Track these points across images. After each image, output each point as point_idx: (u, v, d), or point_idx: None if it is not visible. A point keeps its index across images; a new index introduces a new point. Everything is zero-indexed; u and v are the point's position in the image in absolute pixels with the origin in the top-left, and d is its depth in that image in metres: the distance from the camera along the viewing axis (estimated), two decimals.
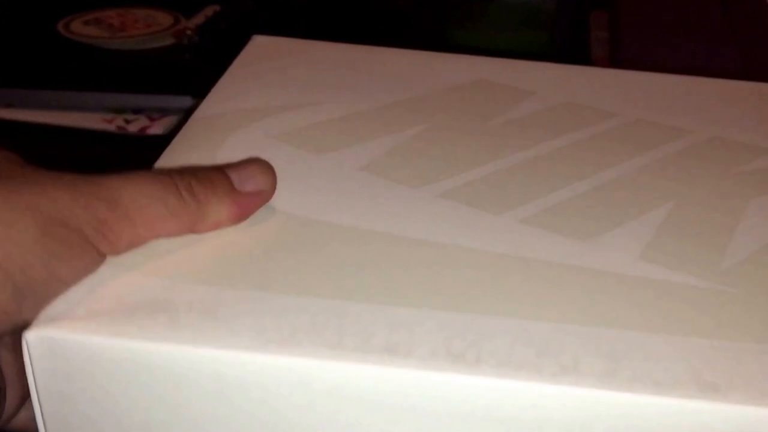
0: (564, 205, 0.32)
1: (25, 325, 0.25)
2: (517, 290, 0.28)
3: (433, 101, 0.40)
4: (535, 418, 0.25)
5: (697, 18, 0.76)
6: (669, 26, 0.75)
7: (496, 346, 0.25)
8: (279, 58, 0.43)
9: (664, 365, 0.25)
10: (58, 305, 0.25)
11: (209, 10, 0.79)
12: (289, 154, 0.34)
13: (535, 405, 0.24)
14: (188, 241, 0.28)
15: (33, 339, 0.25)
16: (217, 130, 0.35)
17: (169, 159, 0.33)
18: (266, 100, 0.38)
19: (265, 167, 0.30)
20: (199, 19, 0.77)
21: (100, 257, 0.27)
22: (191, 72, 0.71)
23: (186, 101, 0.65)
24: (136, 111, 0.65)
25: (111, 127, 0.64)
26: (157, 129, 0.63)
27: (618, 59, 0.70)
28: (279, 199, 0.31)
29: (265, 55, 0.43)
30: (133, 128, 0.64)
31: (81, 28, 0.76)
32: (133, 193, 0.27)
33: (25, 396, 0.29)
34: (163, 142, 0.61)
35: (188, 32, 0.75)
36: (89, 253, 0.26)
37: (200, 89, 0.64)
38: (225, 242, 0.29)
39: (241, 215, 0.29)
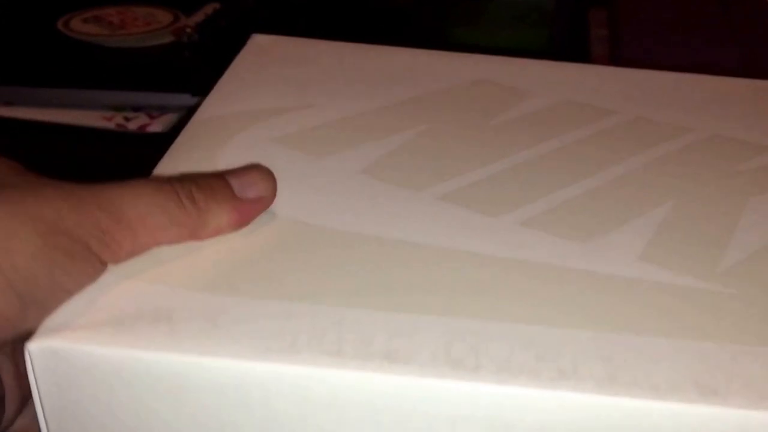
0: (563, 206, 0.32)
1: (28, 334, 0.25)
2: (517, 294, 0.28)
3: (432, 101, 0.40)
4: (535, 423, 0.25)
5: (696, 16, 0.76)
6: (668, 24, 0.75)
7: (496, 351, 0.25)
8: (278, 58, 0.43)
9: (663, 369, 0.25)
10: (59, 316, 0.25)
11: (209, 8, 0.79)
12: (289, 157, 0.34)
13: (534, 410, 0.24)
14: (188, 248, 0.29)
15: (35, 350, 0.25)
16: (218, 133, 0.35)
17: (170, 163, 0.33)
18: (266, 102, 0.38)
19: (266, 173, 0.31)
20: (198, 17, 0.77)
21: (101, 266, 0.27)
22: (191, 70, 0.71)
23: (186, 99, 0.65)
24: (136, 109, 0.65)
25: (110, 125, 0.64)
26: (156, 126, 0.63)
27: (617, 57, 0.70)
28: (279, 203, 0.31)
29: (264, 55, 0.43)
30: (132, 126, 0.64)
31: (81, 26, 0.76)
32: (133, 202, 0.27)
33: (24, 403, 0.29)
34: (162, 139, 0.62)
35: (188, 30, 0.75)
36: (91, 262, 0.26)
37: (200, 87, 0.64)
38: (225, 249, 0.29)
39: (242, 222, 0.29)
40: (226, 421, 0.25)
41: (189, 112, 0.64)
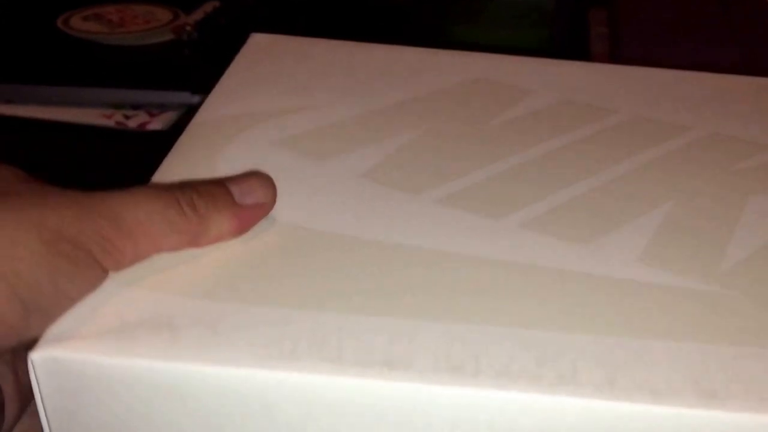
0: (563, 208, 0.32)
1: (31, 341, 0.25)
2: (516, 298, 0.28)
3: (432, 102, 0.40)
4: (535, 427, 0.25)
5: (696, 15, 0.76)
6: (668, 24, 0.75)
7: (496, 356, 0.25)
8: (278, 58, 0.43)
9: (662, 373, 0.25)
10: (61, 325, 0.26)
11: (208, 6, 0.79)
12: (289, 161, 0.34)
13: (534, 415, 0.24)
14: (189, 256, 0.29)
15: (38, 359, 0.25)
16: (218, 135, 0.35)
17: (171, 166, 0.33)
18: (265, 103, 0.38)
19: (265, 180, 0.31)
20: (198, 15, 0.77)
21: (103, 273, 0.27)
22: (190, 68, 0.71)
23: (185, 97, 0.65)
24: (136, 106, 0.65)
25: (110, 123, 0.64)
26: (156, 124, 0.63)
27: (617, 56, 0.70)
28: (279, 208, 0.31)
29: (263, 55, 0.43)
30: (132, 124, 0.64)
31: (80, 24, 0.76)
32: (135, 209, 0.27)
33: (23, 410, 0.29)
34: (162, 137, 0.62)
35: (187, 28, 0.75)
36: (94, 269, 0.27)
37: (199, 85, 0.64)
38: (225, 255, 0.29)
39: (242, 228, 0.30)
40: (228, 428, 0.25)
41: (189, 110, 0.64)
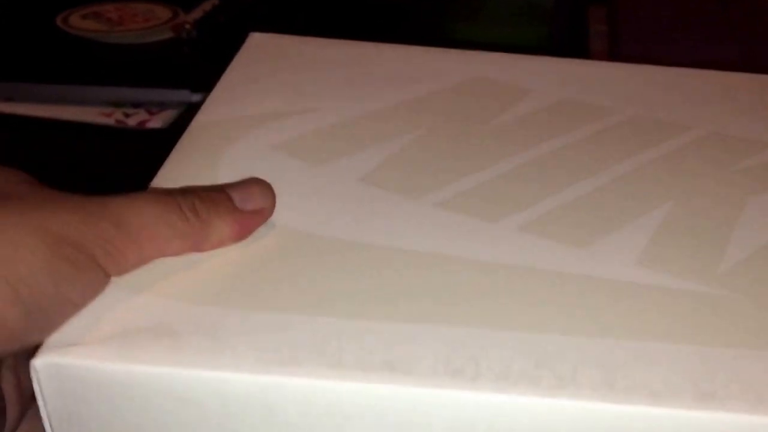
0: (561, 210, 0.32)
1: (33, 346, 0.25)
2: (515, 301, 0.28)
3: (431, 102, 0.40)
4: (535, 430, 0.25)
5: (695, 13, 0.76)
6: (668, 21, 0.75)
7: (495, 360, 0.25)
8: (277, 59, 0.43)
9: (661, 374, 0.25)
10: (63, 332, 0.26)
11: (208, 5, 0.79)
12: (288, 165, 0.34)
13: (534, 417, 0.25)
14: (189, 262, 0.29)
15: (40, 365, 0.25)
16: (217, 139, 0.35)
17: (170, 170, 0.33)
18: (264, 106, 0.38)
19: (264, 186, 0.31)
20: (197, 13, 0.77)
21: (105, 277, 0.27)
22: (190, 66, 0.71)
23: (185, 95, 0.65)
24: (135, 105, 0.65)
25: (110, 121, 0.64)
26: (155, 123, 0.63)
27: (616, 54, 0.70)
28: (278, 213, 0.31)
29: (262, 55, 0.43)
30: (132, 122, 0.64)
31: (79, 22, 0.76)
32: (138, 214, 0.28)
33: (23, 413, 0.29)
34: (161, 135, 0.62)
35: (187, 26, 0.75)
36: (96, 272, 0.27)
37: (199, 83, 0.64)
38: (225, 261, 0.29)
39: (243, 234, 0.30)
40: None
41: (188, 108, 0.64)
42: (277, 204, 0.31)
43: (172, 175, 0.33)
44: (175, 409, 0.25)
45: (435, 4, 0.87)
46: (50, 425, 0.26)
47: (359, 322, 0.26)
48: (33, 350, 0.25)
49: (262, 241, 0.30)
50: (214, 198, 0.30)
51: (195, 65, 0.71)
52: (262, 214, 0.30)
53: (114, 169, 0.59)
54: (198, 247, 0.29)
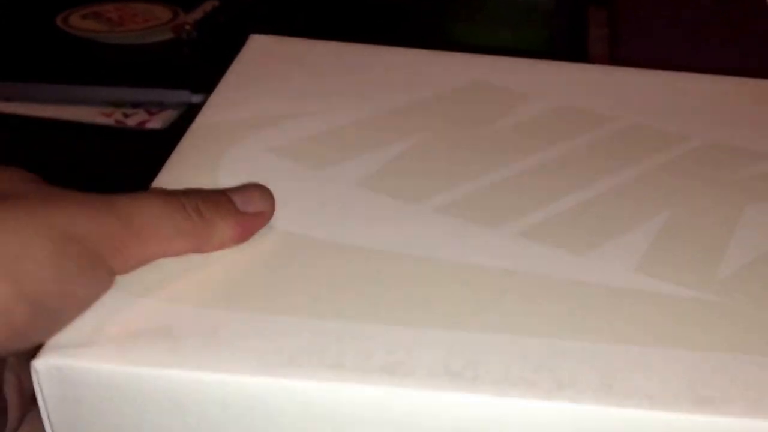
0: (560, 217, 0.32)
1: (36, 346, 0.25)
2: (515, 306, 0.28)
3: (431, 106, 0.40)
4: None
5: (696, 16, 0.76)
6: (668, 24, 0.75)
7: (494, 363, 0.25)
8: (277, 61, 0.43)
9: (658, 379, 0.25)
10: (64, 334, 0.26)
11: (208, 5, 0.79)
12: (287, 169, 0.34)
13: (532, 421, 0.25)
14: (188, 265, 0.29)
15: (41, 368, 0.25)
16: (217, 142, 0.36)
17: (170, 173, 0.33)
18: (264, 109, 0.38)
19: (265, 191, 0.31)
20: (197, 13, 0.77)
21: (110, 275, 0.27)
22: (190, 66, 0.71)
23: (185, 95, 0.65)
24: (135, 105, 0.65)
25: (110, 121, 0.64)
26: (155, 123, 0.63)
27: (616, 57, 0.70)
28: (278, 217, 0.31)
29: (262, 58, 0.43)
30: (131, 122, 0.64)
31: (80, 23, 0.76)
32: (144, 212, 0.28)
33: (24, 415, 0.29)
34: (161, 136, 0.62)
35: (187, 27, 0.75)
36: (102, 270, 0.27)
37: (199, 84, 0.64)
38: (224, 264, 0.29)
39: (244, 236, 0.30)
40: None
41: (188, 109, 0.64)
42: (277, 207, 0.31)
43: (171, 177, 0.33)
44: (175, 411, 0.25)
45: (435, 4, 0.87)
46: (51, 427, 0.26)
47: (359, 325, 0.27)
48: (34, 351, 0.25)
49: (261, 244, 0.30)
50: (216, 200, 0.30)
51: (195, 66, 0.71)
52: (263, 217, 0.31)
53: (114, 169, 0.59)
54: (200, 247, 0.29)
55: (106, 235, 0.27)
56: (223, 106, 0.38)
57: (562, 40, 0.80)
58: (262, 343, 0.26)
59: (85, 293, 0.26)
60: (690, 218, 0.33)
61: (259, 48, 0.44)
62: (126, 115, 0.64)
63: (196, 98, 0.65)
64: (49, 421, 0.26)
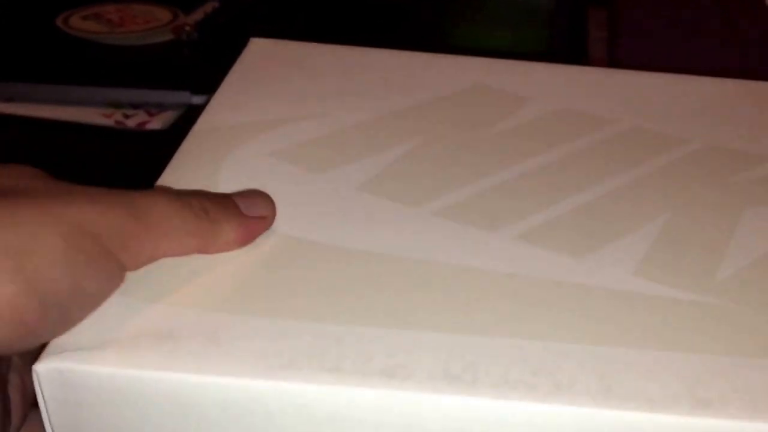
0: (560, 220, 0.32)
1: (42, 347, 0.26)
2: (514, 309, 0.28)
3: (430, 110, 0.40)
4: None
5: (696, 18, 0.77)
6: (668, 26, 0.75)
7: (493, 366, 0.26)
8: (277, 65, 0.43)
9: (657, 382, 0.25)
10: (65, 337, 0.26)
11: (208, 6, 0.79)
12: (287, 172, 0.34)
13: (531, 424, 0.25)
14: (189, 268, 0.29)
15: (42, 371, 0.25)
16: (217, 147, 0.36)
17: (170, 177, 0.34)
18: (265, 113, 0.38)
19: (266, 196, 0.32)
20: (197, 15, 0.77)
21: (120, 270, 0.27)
22: (190, 67, 0.71)
23: (185, 96, 0.65)
24: (135, 106, 0.65)
25: (110, 122, 0.64)
26: (155, 124, 0.64)
27: (616, 58, 0.70)
28: (278, 221, 0.31)
29: (263, 61, 0.43)
30: (131, 123, 0.64)
31: (80, 23, 0.76)
32: (156, 208, 0.28)
33: (26, 415, 0.29)
34: (161, 137, 0.62)
35: (187, 28, 0.75)
36: (112, 265, 0.27)
37: (199, 85, 0.65)
38: (225, 267, 0.29)
39: (247, 239, 0.30)
40: None
41: (188, 110, 0.64)
42: (277, 211, 0.31)
43: (173, 180, 0.33)
44: (175, 413, 0.25)
45: (434, 5, 0.87)
46: (52, 430, 0.26)
47: (359, 328, 0.27)
48: (38, 353, 0.26)
49: (261, 248, 0.30)
50: (223, 202, 0.30)
51: (195, 67, 0.71)
52: (265, 222, 0.31)
53: (113, 170, 0.59)
54: (206, 248, 0.29)
55: (117, 230, 0.26)
56: (224, 110, 0.38)
57: (561, 41, 0.80)
58: (262, 346, 0.26)
59: (96, 289, 0.26)
60: (689, 221, 0.33)
61: (260, 51, 0.44)
62: (126, 116, 0.64)
63: (196, 99, 0.65)
64: (50, 424, 0.26)
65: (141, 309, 0.27)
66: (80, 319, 0.26)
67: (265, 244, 0.30)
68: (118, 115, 0.64)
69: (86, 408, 0.25)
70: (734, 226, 0.33)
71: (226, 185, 0.33)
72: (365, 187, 0.34)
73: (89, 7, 0.79)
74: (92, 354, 0.25)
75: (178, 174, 0.33)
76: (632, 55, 0.70)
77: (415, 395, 0.25)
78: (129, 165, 0.59)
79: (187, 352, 0.25)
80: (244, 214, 0.30)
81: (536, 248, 0.31)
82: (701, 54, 0.70)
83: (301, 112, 0.39)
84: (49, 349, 0.25)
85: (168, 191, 0.29)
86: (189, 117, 0.61)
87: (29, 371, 0.25)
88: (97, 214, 0.26)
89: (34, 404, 0.27)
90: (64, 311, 0.25)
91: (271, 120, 0.38)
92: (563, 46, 0.78)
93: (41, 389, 0.25)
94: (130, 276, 0.28)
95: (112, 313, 0.27)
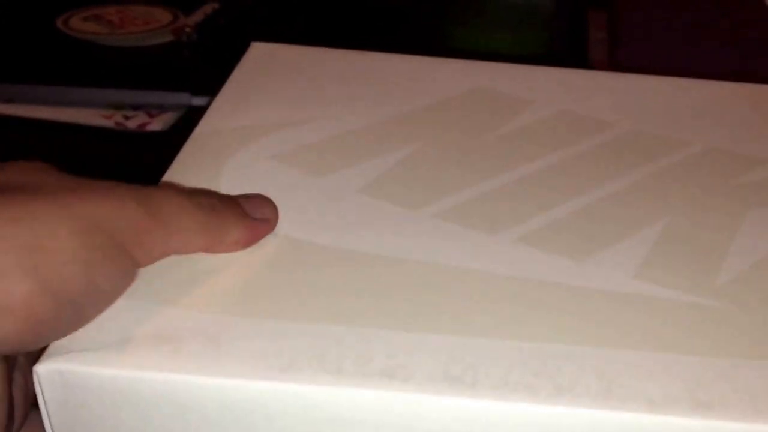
0: (560, 223, 0.32)
1: (39, 351, 0.25)
2: (514, 311, 0.28)
3: (431, 114, 0.40)
4: None
5: (696, 20, 0.77)
6: (668, 28, 0.76)
7: (493, 368, 0.26)
8: (277, 69, 0.43)
9: (658, 384, 0.25)
10: (66, 339, 0.26)
11: (208, 8, 0.79)
12: (288, 176, 0.34)
13: (532, 425, 0.25)
14: (190, 270, 0.29)
15: (43, 372, 0.25)
16: (218, 150, 0.36)
17: (172, 180, 0.34)
18: (265, 116, 0.38)
19: (268, 200, 0.32)
20: (197, 16, 0.77)
21: (134, 266, 0.27)
22: (190, 69, 0.71)
23: (185, 98, 0.66)
24: (135, 107, 0.65)
25: (110, 123, 0.64)
26: (155, 125, 0.64)
27: (616, 60, 0.70)
28: (279, 223, 0.31)
29: (263, 65, 0.43)
30: (131, 124, 0.64)
31: (80, 25, 0.77)
32: (169, 204, 0.28)
33: (27, 415, 0.29)
34: (161, 138, 0.62)
35: (187, 29, 0.75)
36: (126, 261, 0.27)
37: (199, 86, 0.65)
38: (226, 270, 0.29)
39: (251, 240, 0.30)
40: None
41: (188, 111, 0.64)
42: (279, 214, 0.31)
43: (174, 183, 0.33)
44: (176, 415, 0.25)
45: (435, 8, 0.87)
46: (52, 431, 0.26)
47: (359, 329, 0.27)
48: (38, 354, 0.26)
49: (262, 250, 0.30)
50: (228, 202, 0.30)
51: (195, 68, 0.71)
52: (269, 224, 0.31)
53: (113, 171, 0.59)
54: (213, 247, 0.29)
55: (131, 225, 0.26)
56: (225, 114, 0.38)
57: (561, 43, 0.80)
58: (262, 348, 0.26)
59: (110, 287, 0.26)
60: (690, 224, 0.33)
61: (260, 55, 0.44)
62: (126, 117, 0.64)
63: (196, 100, 0.65)
64: (50, 424, 0.26)
65: (141, 311, 0.27)
66: (93, 316, 0.26)
67: (265, 246, 0.30)
68: (118, 117, 0.64)
69: (86, 409, 0.25)
70: (735, 228, 0.33)
71: (227, 188, 0.33)
72: (366, 191, 0.34)
73: (89, 9, 0.79)
74: (93, 355, 0.25)
75: (179, 177, 0.33)
76: (632, 57, 0.70)
77: (416, 397, 0.25)
78: (129, 166, 0.59)
79: (187, 354, 0.25)
80: (248, 215, 0.30)
81: (537, 251, 0.31)
82: (702, 56, 0.70)
83: (302, 116, 0.39)
84: (49, 350, 0.25)
85: (178, 188, 0.29)
86: (189, 118, 0.61)
87: (32, 371, 0.25)
88: (111, 209, 0.26)
89: (35, 404, 0.27)
90: (78, 309, 0.25)
91: (273, 123, 0.38)
92: (563, 48, 0.78)
93: (42, 390, 0.25)
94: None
95: (112, 314, 0.27)
